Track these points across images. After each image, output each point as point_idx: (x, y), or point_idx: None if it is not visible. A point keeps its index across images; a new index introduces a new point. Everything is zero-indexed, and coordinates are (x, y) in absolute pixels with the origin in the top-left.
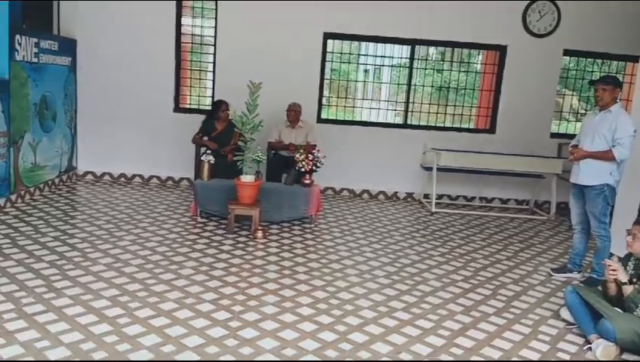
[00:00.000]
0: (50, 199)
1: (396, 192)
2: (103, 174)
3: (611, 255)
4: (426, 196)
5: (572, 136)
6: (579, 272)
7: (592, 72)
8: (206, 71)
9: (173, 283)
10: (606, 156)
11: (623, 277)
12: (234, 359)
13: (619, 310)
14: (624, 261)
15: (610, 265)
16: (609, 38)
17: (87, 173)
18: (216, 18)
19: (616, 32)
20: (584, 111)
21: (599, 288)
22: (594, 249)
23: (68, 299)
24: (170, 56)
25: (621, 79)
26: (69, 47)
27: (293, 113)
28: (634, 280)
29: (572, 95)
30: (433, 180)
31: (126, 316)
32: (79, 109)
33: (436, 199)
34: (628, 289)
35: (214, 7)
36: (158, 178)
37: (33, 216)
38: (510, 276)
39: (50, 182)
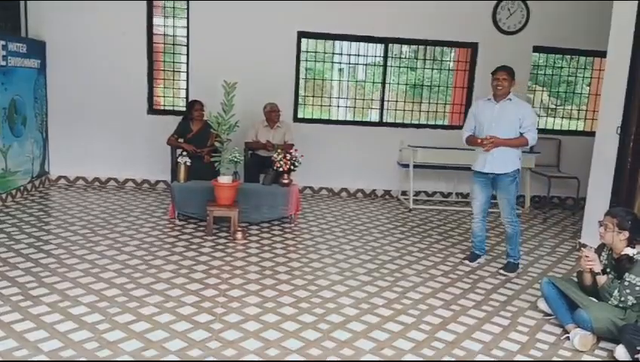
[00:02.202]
0: (23, 205)
1: (374, 190)
2: (77, 178)
3: (584, 246)
4: (404, 193)
5: (545, 131)
6: (484, 255)
7: (562, 67)
8: (179, 72)
9: (152, 287)
10: (521, 142)
11: (598, 268)
12: (217, 360)
13: (594, 299)
14: (598, 251)
15: (587, 256)
16: (577, 34)
17: (60, 177)
18: (188, 18)
19: (584, 28)
20: (555, 106)
21: (574, 278)
22: (504, 236)
23: (45, 306)
24: (143, 57)
25: (589, 74)
26: (37, 49)
27: (275, 114)
28: (607, 270)
29: (542, 90)
30: (410, 177)
31: (106, 322)
32: (50, 112)
33: (413, 196)
34: (602, 279)
35: (186, 7)
36: (134, 181)
37: (6, 223)
38: (488, 269)
39: (22, 188)
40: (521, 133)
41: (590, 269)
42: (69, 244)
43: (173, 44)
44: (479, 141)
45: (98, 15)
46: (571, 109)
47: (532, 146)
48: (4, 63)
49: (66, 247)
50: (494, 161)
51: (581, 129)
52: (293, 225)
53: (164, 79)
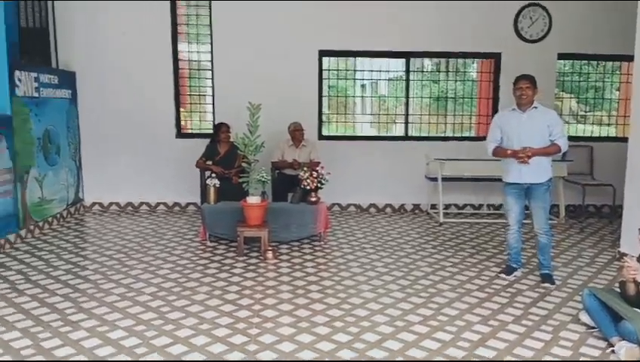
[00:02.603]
0: (60, 232)
1: (403, 204)
2: (110, 204)
3: (625, 255)
4: (433, 206)
5: (576, 138)
6: (520, 268)
7: (588, 73)
8: (205, 95)
9: (187, 309)
10: (554, 150)
11: None
12: None
13: (638, 310)
14: (639, 260)
15: (629, 265)
16: (602, 38)
17: (94, 203)
18: (211, 43)
19: (608, 32)
20: (584, 113)
21: (617, 289)
22: (537, 246)
23: (84, 331)
24: (169, 82)
25: (617, 79)
26: (68, 79)
27: (299, 133)
28: None
29: (570, 97)
30: (439, 190)
31: (143, 345)
32: (82, 141)
33: (443, 209)
34: None
35: (209, 32)
36: (165, 204)
37: (44, 251)
38: (525, 282)
39: (58, 216)
40: (551, 141)
41: (633, 279)
42: (105, 269)
43: (198, 69)
44: (509, 152)
45: (124, 43)
46: (601, 115)
47: (564, 153)
48: (37, 95)
49: (102, 272)
50: (529, 171)
51: (613, 135)
52: (323, 242)
53: (190, 103)
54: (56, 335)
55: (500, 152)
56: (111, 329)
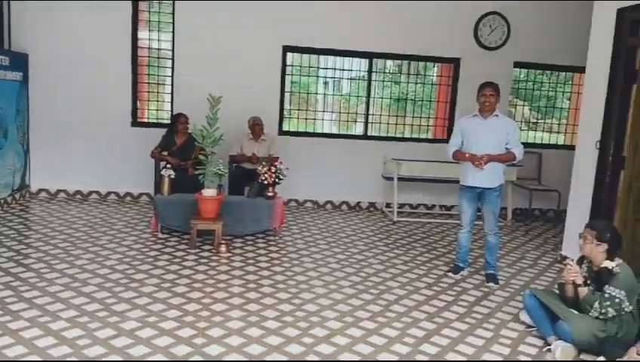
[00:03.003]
0: (3, 218)
1: (359, 202)
2: (58, 191)
3: (565, 258)
4: (388, 205)
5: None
6: (467, 267)
7: (542, 82)
8: (164, 84)
9: (134, 301)
10: (509, 158)
11: (579, 279)
12: None
13: (575, 311)
14: (578, 263)
15: (570, 268)
16: (557, 50)
17: (41, 190)
18: (173, 31)
19: (563, 44)
20: (536, 120)
21: (556, 290)
22: (485, 246)
23: (24, 321)
24: (127, 69)
25: (569, 89)
26: (20, 61)
27: (258, 127)
28: (588, 281)
29: (524, 105)
30: (394, 190)
31: (86, 337)
32: (32, 125)
33: (398, 208)
34: (583, 291)
35: (171, 21)
36: (117, 194)
37: None
38: (471, 281)
39: (2, 201)
40: (507, 149)
41: (572, 281)
42: (49, 258)
43: (158, 57)
44: (467, 156)
45: (82, 27)
46: (552, 123)
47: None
48: None
49: (46, 261)
50: (483, 176)
51: (562, 143)
52: (277, 238)
53: (148, 92)
54: None
55: (458, 155)
56: (52, 320)
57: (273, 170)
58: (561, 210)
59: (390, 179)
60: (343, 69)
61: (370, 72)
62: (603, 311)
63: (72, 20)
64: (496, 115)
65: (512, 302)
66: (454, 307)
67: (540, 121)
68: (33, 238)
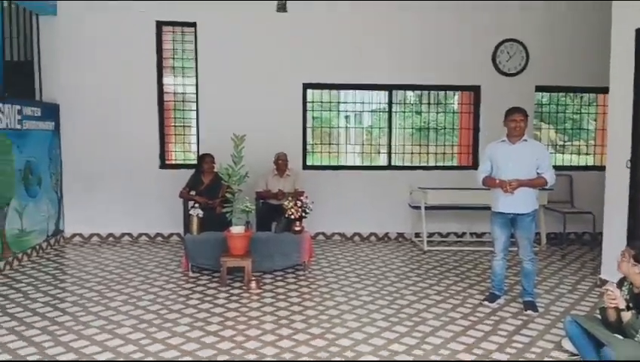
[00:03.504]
0: (39, 264)
1: (387, 233)
2: (91, 235)
3: (605, 281)
4: (417, 235)
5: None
6: (503, 295)
7: (566, 104)
8: (190, 126)
9: (168, 341)
10: (540, 183)
11: (622, 304)
12: None
13: (620, 336)
14: (619, 285)
15: (610, 293)
16: (578, 72)
17: (74, 235)
18: (196, 75)
19: (583, 66)
20: (563, 143)
21: (598, 315)
22: (521, 272)
23: None
24: (154, 114)
25: (594, 110)
26: (51, 111)
27: (282, 162)
28: (630, 304)
29: (549, 128)
30: (422, 219)
31: None
32: (64, 172)
33: (427, 237)
34: (627, 316)
35: (194, 66)
36: (147, 235)
37: (22, 283)
38: (508, 310)
39: (37, 247)
40: (538, 173)
41: (614, 306)
42: (84, 301)
43: (183, 101)
44: (497, 182)
45: (109, 77)
46: (579, 145)
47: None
48: (19, 127)
49: (81, 304)
50: (515, 201)
51: (591, 164)
52: (307, 272)
53: (175, 134)
54: None
55: (488, 182)
56: None
57: (299, 205)
58: (597, 233)
59: (417, 208)
60: (364, 102)
61: (390, 103)
62: None
63: (99, 71)
64: (525, 140)
65: (554, 330)
66: (493, 337)
67: (567, 143)
68: (68, 282)
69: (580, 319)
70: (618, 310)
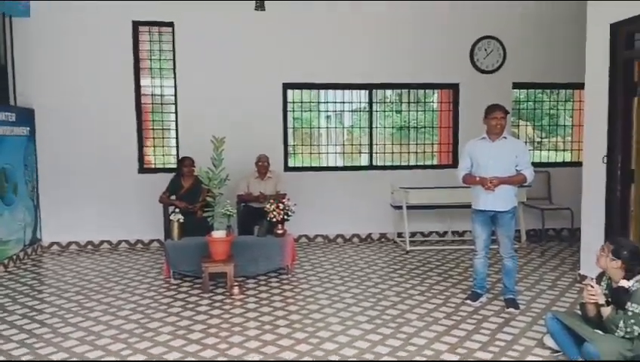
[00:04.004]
0: (16, 274)
1: (370, 234)
2: (69, 244)
3: (584, 277)
4: (400, 235)
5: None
6: (485, 293)
7: (543, 101)
8: (169, 130)
9: (150, 351)
10: (519, 180)
11: (601, 299)
12: None
13: (600, 332)
14: (597, 280)
15: (590, 289)
16: (554, 68)
17: (52, 243)
18: (175, 77)
19: (560, 62)
20: (540, 139)
21: (578, 311)
22: (502, 270)
23: None
24: (131, 117)
25: (571, 106)
26: (26, 116)
27: (263, 165)
28: (609, 299)
29: (526, 125)
30: (404, 218)
31: None
32: (40, 179)
33: (410, 237)
34: (606, 311)
35: (172, 67)
36: (127, 242)
37: None
38: (490, 308)
39: (14, 257)
40: (518, 170)
41: (594, 302)
42: (63, 312)
43: (161, 103)
44: (477, 179)
45: (85, 79)
46: (557, 141)
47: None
48: None
49: (60, 316)
50: (495, 199)
51: (569, 160)
52: (290, 275)
53: (153, 138)
54: None
55: (469, 179)
56: None
57: (281, 207)
58: (576, 228)
59: (399, 208)
60: (344, 102)
61: (370, 102)
62: (628, 329)
63: (75, 73)
64: (505, 137)
65: (535, 327)
66: (476, 336)
67: (544, 139)
68: (46, 293)
69: (561, 315)
70: (598, 305)
